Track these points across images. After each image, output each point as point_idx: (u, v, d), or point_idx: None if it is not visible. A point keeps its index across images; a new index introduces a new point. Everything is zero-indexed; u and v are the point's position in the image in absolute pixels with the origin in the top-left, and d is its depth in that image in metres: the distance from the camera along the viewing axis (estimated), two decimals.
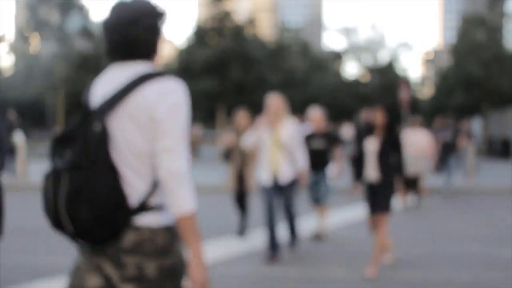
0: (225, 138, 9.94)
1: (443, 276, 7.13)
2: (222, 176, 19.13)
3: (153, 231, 2.56)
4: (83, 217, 2.48)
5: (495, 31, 51.62)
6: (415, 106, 54.74)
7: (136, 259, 2.55)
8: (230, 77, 45.60)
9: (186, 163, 2.54)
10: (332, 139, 9.82)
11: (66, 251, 8.63)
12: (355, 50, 57.31)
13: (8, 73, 60.04)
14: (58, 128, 47.25)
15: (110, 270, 2.58)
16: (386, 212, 7.25)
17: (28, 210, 13.43)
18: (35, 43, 55.23)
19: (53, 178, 2.53)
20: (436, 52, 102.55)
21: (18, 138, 19.33)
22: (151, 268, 2.55)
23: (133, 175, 2.57)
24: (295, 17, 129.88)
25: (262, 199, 8.09)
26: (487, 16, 51.78)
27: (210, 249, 8.54)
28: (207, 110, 48.66)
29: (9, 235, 9.85)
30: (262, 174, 8.14)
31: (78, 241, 2.56)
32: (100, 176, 2.49)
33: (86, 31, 55.91)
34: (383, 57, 56.86)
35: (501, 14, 52.56)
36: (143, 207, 2.56)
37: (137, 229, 2.55)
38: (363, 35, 57.63)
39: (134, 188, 2.56)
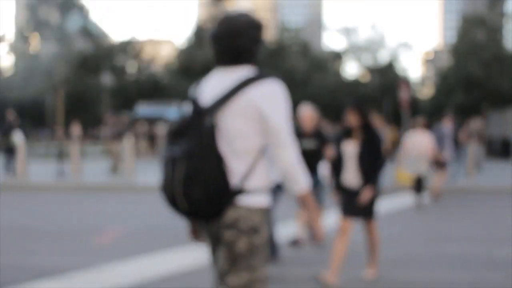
0: None
1: (443, 276, 7.13)
2: None
3: (249, 210, 3.10)
4: (196, 197, 3.03)
5: (495, 31, 51.61)
6: (415, 106, 54.74)
7: (232, 234, 3.09)
8: None
9: (295, 152, 3.12)
10: (324, 139, 9.21)
11: (66, 251, 8.63)
12: (355, 50, 57.26)
13: (8, 73, 60.02)
14: (58, 128, 47.23)
15: (213, 242, 3.19)
16: (370, 218, 6.91)
17: (28, 210, 13.43)
18: (35, 43, 55.26)
19: (171, 164, 3.06)
20: (436, 52, 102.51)
21: (18, 138, 19.33)
22: (242, 243, 3.10)
23: (235, 162, 3.09)
24: (295, 17, 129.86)
25: None
26: (487, 16, 51.76)
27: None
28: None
29: (9, 235, 9.85)
30: None
31: (189, 218, 3.12)
32: (210, 163, 3.02)
33: (86, 31, 55.91)
34: (383, 57, 56.82)
35: (501, 14, 52.55)
36: (242, 189, 3.08)
37: (237, 207, 3.08)
38: (363, 35, 57.57)
39: (236, 173, 3.08)
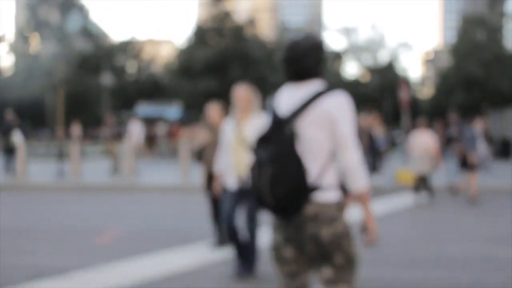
0: (198, 135, 8.69)
1: (443, 276, 7.12)
2: None
3: (325, 205, 3.59)
4: (280, 195, 3.52)
5: (495, 31, 51.61)
6: (415, 106, 54.74)
7: (315, 225, 3.58)
8: (230, 77, 45.54)
9: (358, 155, 3.60)
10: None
11: (66, 251, 8.63)
12: (355, 50, 57.26)
13: (8, 73, 60.01)
14: (58, 128, 47.20)
15: (296, 235, 3.65)
16: None
17: (28, 210, 13.43)
18: (35, 43, 55.25)
19: (257, 167, 3.57)
20: (436, 52, 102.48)
21: (17, 138, 19.34)
22: (325, 232, 3.58)
23: (311, 164, 3.60)
24: (295, 17, 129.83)
25: (223, 206, 7.09)
26: (487, 16, 51.76)
27: (209, 249, 8.52)
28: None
29: (9, 235, 9.84)
30: (225, 177, 7.08)
31: (275, 214, 3.61)
32: (292, 166, 3.54)
33: (86, 31, 55.91)
34: (383, 57, 56.82)
35: (501, 14, 52.55)
36: (318, 187, 3.58)
37: (314, 203, 3.58)
38: (363, 35, 57.58)
39: (312, 173, 3.58)
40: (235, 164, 6.99)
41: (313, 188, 3.58)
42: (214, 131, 8.30)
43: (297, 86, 3.73)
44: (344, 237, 3.62)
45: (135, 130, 25.55)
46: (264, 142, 3.62)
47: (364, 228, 3.65)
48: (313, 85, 3.70)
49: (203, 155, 8.47)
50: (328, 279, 3.66)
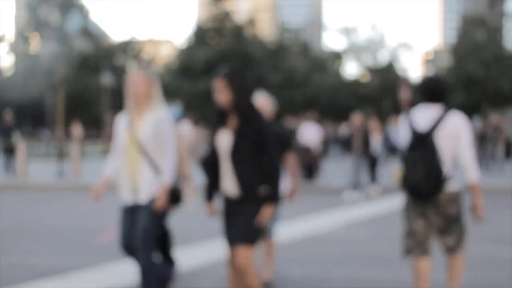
0: (195, 133, 7.10)
1: (443, 276, 7.12)
2: None
3: (452, 192, 5.32)
4: (431, 186, 5.22)
5: (495, 31, 51.60)
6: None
7: (445, 206, 5.31)
8: None
9: (473, 155, 5.24)
10: (283, 141, 6.57)
11: (66, 251, 8.63)
12: (355, 50, 57.25)
13: (8, 73, 59.99)
14: (58, 128, 47.17)
15: (431, 213, 5.33)
16: (245, 244, 4.85)
17: (28, 210, 13.43)
18: (35, 43, 55.21)
19: (412, 166, 5.23)
20: (436, 52, 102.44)
21: (16, 138, 19.33)
22: (452, 209, 5.32)
23: (448, 163, 5.29)
24: (295, 17, 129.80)
25: (119, 224, 5.66)
26: (487, 16, 51.75)
27: (209, 249, 8.53)
28: (207, 110, 48.63)
29: (9, 235, 9.84)
30: (120, 188, 5.62)
31: (420, 197, 5.27)
32: (436, 166, 5.24)
33: (86, 31, 55.89)
34: (383, 57, 56.80)
35: (501, 14, 52.55)
36: (449, 180, 5.26)
37: (448, 191, 5.30)
38: (363, 35, 57.56)
39: (445, 168, 5.27)
40: (128, 171, 5.50)
41: (446, 181, 5.24)
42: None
43: (429, 107, 5.38)
44: (461, 215, 5.36)
45: (186, 130, 24.24)
46: (413, 149, 5.26)
47: (474, 209, 5.27)
48: (440, 107, 5.37)
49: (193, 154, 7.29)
50: (450, 246, 5.40)
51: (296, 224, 10.88)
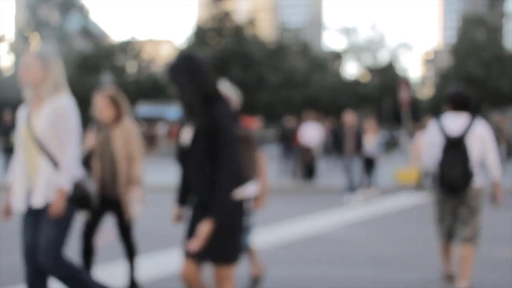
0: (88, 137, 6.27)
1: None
2: None
3: (475, 188, 6.38)
4: (465, 181, 6.30)
5: (495, 31, 51.61)
6: (415, 106, 54.71)
7: (469, 198, 6.37)
8: (230, 77, 45.55)
9: (496, 156, 6.39)
10: (249, 141, 5.91)
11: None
12: (355, 50, 57.23)
13: (8, 73, 60.02)
14: None
15: (459, 205, 6.42)
16: (219, 262, 4.26)
17: None
18: (35, 43, 55.21)
19: (451, 165, 6.32)
20: (436, 52, 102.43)
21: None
22: (475, 202, 6.38)
23: (475, 163, 6.37)
24: (295, 17, 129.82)
25: (20, 231, 5.05)
26: (487, 16, 51.75)
27: None
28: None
29: (9, 235, 9.85)
30: (13, 190, 4.89)
31: (452, 191, 6.35)
32: (469, 165, 6.28)
33: (86, 31, 55.90)
34: (383, 57, 56.78)
35: (501, 14, 52.56)
36: (474, 177, 6.33)
37: (474, 187, 6.36)
38: (363, 35, 57.54)
39: (474, 168, 6.35)
40: (25, 170, 4.84)
41: (473, 178, 6.31)
42: (106, 130, 6.14)
43: (456, 115, 6.41)
44: (480, 209, 6.44)
45: (312, 134, 19.62)
46: (448, 151, 6.32)
47: (496, 197, 6.47)
48: (467, 115, 6.42)
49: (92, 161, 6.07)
50: (467, 236, 6.37)
51: (296, 224, 10.88)
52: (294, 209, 13.14)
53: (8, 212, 4.95)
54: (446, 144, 6.34)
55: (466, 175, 6.29)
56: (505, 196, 15.90)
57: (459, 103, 6.42)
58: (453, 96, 6.44)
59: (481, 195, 6.42)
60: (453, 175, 6.30)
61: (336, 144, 16.03)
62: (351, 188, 15.04)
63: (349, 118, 14.96)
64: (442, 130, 6.38)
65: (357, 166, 15.30)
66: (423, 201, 14.55)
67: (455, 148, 6.31)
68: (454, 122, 6.40)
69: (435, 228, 6.67)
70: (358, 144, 14.83)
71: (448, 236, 6.58)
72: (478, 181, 6.41)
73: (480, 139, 6.35)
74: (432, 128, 6.53)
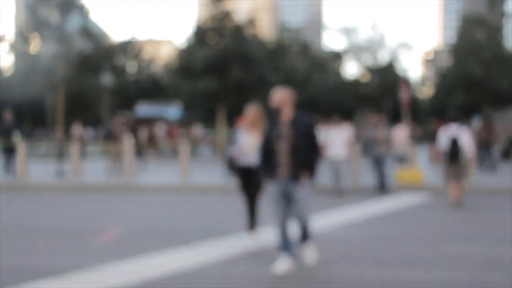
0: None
1: (443, 276, 7.12)
2: (222, 176, 19.11)
3: (464, 159, 13.07)
4: (458, 156, 12.97)
5: (495, 31, 51.65)
6: (415, 106, 54.70)
7: (462, 164, 13.12)
8: (230, 77, 45.57)
9: (471, 143, 13.07)
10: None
11: (66, 251, 8.63)
12: (355, 50, 57.25)
13: (8, 73, 59.99)
14: (58, 128, 47.17)
15: (456, 166, 13.15)
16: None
17: (28, 210, 13.43)
18: (35, 43, 55.17)
19: (452, 149, 12.89)
20: (436, 52, 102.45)
21: (16, 138, 19.34)
22: (464, 166, 13.18)
23: (462, 147, 12.87)
24: (295, 17, 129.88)
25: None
26: (487, 16, 51.79)
27: (210, 249, 8.53)
28: (207, 110, 48.64)
29: (9, 235, 9.84)
30: None
31: (455, 160, 13.01)
32: (460, 149, 12.91)
33: (86, 31, 55.88)
34: (383, 57, 56.81)
35: (501, 14, 52.59)
36: (462, 153, 13.07)
37: (462, 158, 13.08)
38: (363, 35, 57.56)
39: (463, 150, 13.09)
40: None
41: (462, 154, 12.64)
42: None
43: (452, 124, 12.17)
44: (466, 169, 12.86)
45: (399, 135, 19.82)
46: (452, 144, 12.52)
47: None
48: (457, 124, 12.14)
49: None
50: (461, 177, 12.80)
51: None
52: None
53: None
54: (449, 142, 12.76)
55: (459, 152, 12.69)
56: (505, 196, 15.92)
57: (454, 119, 12.93)
58: (452, 117, 10.15)
59: (466, 163, 12.93)
60: (454, 153, 12.74)
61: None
62: (381, 185, 16.36)
63: (337, 122, 16.34)
64: (447, 134, 12.64)
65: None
66: (423, 201, 14.54)
67: (454, 143, 12.74)
68: (451, 129, 12.76)
69: (443, 178, 13.10)
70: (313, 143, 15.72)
71: (452, 181, 12.89)
72: (464, 156, 12.73)
73: (464, 136, 12.77)
74: (443, 134, 12.89)
